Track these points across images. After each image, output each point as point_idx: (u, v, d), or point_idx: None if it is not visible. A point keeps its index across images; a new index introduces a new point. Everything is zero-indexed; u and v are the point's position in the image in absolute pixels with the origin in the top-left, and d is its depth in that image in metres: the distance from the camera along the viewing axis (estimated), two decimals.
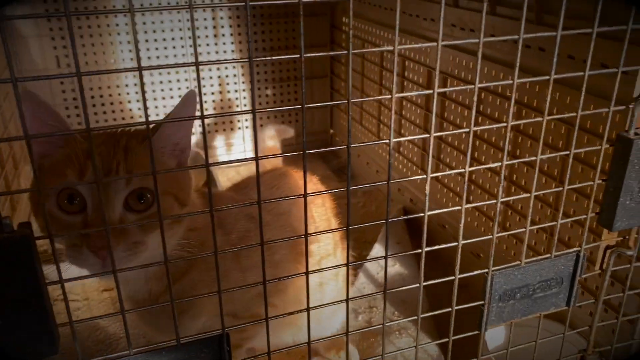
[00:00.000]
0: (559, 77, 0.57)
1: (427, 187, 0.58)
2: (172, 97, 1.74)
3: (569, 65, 0.90)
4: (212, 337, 0.55)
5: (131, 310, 0.54)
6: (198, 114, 0.49)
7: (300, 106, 0.50)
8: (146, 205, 0.63)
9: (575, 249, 0.68)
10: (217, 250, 0.51)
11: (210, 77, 1.76)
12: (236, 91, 1.80)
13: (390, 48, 0.51)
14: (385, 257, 0.60)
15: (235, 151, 1.86)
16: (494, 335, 0.98)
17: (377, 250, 1.31)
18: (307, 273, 0.56)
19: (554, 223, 0.66)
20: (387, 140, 0.55)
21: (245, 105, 1.83)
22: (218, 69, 1.76)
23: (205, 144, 0.48)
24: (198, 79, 0.45)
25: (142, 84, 0.44)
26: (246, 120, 1.85)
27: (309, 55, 0.49)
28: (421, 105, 1.37)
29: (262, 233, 0.52)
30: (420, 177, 0.59)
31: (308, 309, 0.58)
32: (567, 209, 0.96)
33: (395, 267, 1.27)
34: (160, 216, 0.47)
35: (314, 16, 1.80)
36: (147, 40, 1.66)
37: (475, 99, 0.56)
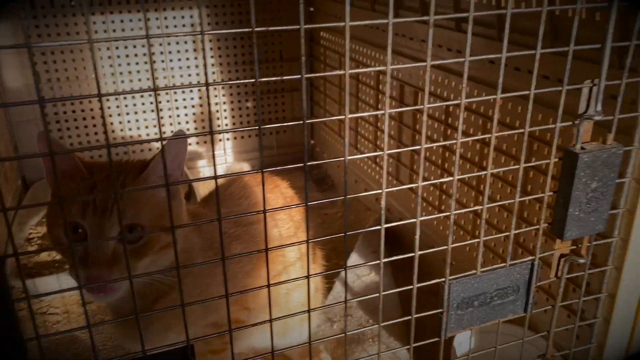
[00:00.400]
0: (506, 96, 0.60)
1: (383, 202, 0.61)
2: (152, 111, 1.76)
3: (529, 80, 0.94)
4: (177, 348, 0.57)
5: (99, 323, 0.56)
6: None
7: (257, 127, 0.53)
8: (136, 237, 0.70)
9: (529, 257, 0.71)
10: (178, 265, 0.54)
11: (191, 91, 1.79)
12: (217, 104, 1.82)
13: (343, 72, 0.54)
14: (345, 269, 0.62)
15: (217, 162, 1.89)
16: (464, 342, 1.01)
17: (354, 259, 1.34)
18: (268, 286, 0.58)
19: (507, 233, 0.69)
20: (342, 158, 0.57)
21: (226, 117, 1.85)
22: (199, 81, 1.79)
23: (164, 162, 0.50)
24: (156, 105, 0.48)
25: (103, 111, 0.46)
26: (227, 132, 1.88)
27: (263, 80, 0.52)
28: (395, 118, 1.40)
29: (222, 248, 0.55)
30: (375, 192, 0.62)
31: (271, 320, 0.60)
32: (531, 218, 1.00)
33: (370, 276, 1.30)
34: (124, 243, 0.49)
35: (292, 31, 1.83)
36: (127, 56, 1.69)
37: (425, 118, 0.59)
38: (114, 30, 1.63)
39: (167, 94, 1.76)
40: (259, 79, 0.51)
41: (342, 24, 0.52)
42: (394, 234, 1.35)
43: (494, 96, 0.60)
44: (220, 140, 1.88)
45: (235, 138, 1.90)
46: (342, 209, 1.70)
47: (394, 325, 1.05)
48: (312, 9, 1.79)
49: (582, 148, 0.65)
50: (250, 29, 0.49)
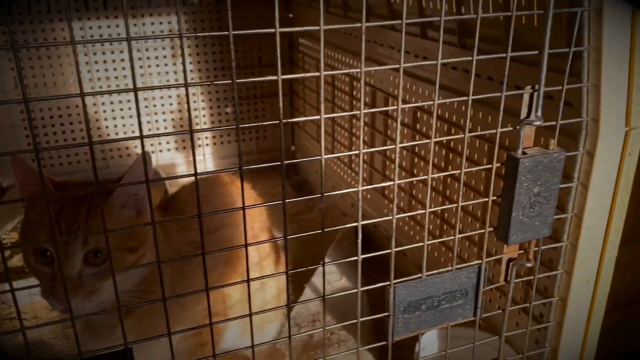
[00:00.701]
0: (441, 102, 0.61)
1: (322, 205, 0.61)
2: (131, 117, 1.76)
3: (488, 85, 0.95)
4: (116, 351, 0.58)
5: (34, 326, 0.57)
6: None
7: (188, 131, 0.53)
8: (102, 259, 0.72)
9: (476, 261, 0.71)
10: (113, 267, 0.54)
11: (170, 96, 1.80)
12: (195, 109, 1.83)
13: (275, 77, 0.55)
14: (287, 272, 0.63)
15: (197, 168, 1.89)
16: (427, 346, 1.01)
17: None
18: (207, 290, 0.59)
19: (452, 237, 0.69)
20: (279, 163, 0.58)
21: (205, 123, 1.86)
22: (177, 87, 1.80)
23: (94, 169, 0.51)
24: (84, 110, 0.49)
25: (29, 116, 0.47)
26: (206, 137, 1.88)
27: (193, 84, 0.53)
28: (368, 124, 1.41)
29: (158, 253, 0.55)
30: (315, 196, 0.62)
31: (211, 324, 0.61)
32: (492, 222, 1.00)
33: (341, 281, 1.30)
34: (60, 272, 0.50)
35: (273, 36, 1.84)
36: (105, 61, 1.69)
37: (362, 120, 0.59)
38: (92, 36, 1.64)
39: (145, 99, 1.76)
40: (189, 84, 0.52)
41: (273, 30, 0.53)
42: (367, 238, 1.36)
43: (431, 102, 0.61)
44: (199, 146, 1.88)
45: (215, 144, 1.91)
46: (320, 215, 1.71)
47: (361, 329, 1.06)
48: (290, 16, 1.80)
49: (524, 153, 0.66)
50: (178, 34, 0.49)
